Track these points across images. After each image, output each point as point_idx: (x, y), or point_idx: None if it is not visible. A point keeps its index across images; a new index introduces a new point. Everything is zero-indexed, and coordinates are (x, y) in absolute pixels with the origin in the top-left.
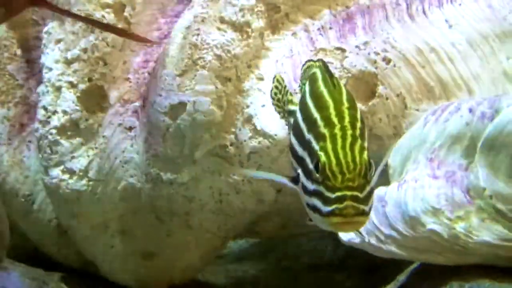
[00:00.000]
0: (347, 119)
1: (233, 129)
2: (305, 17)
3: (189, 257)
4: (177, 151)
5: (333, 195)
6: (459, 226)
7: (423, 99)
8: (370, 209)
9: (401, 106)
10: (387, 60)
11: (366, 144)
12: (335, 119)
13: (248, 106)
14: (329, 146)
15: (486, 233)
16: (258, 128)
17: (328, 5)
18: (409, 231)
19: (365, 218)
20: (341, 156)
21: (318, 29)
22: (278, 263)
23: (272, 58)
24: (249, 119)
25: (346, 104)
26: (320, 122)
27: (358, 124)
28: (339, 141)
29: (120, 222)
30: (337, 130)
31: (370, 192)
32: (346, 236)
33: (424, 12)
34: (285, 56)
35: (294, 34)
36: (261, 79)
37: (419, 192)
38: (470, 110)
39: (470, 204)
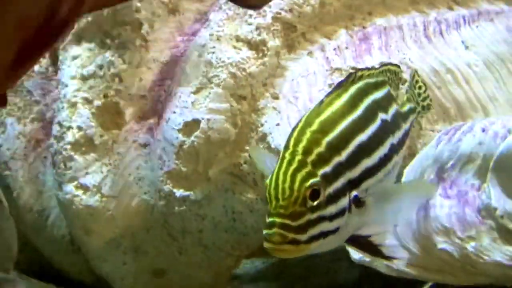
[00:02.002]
0: (302, 144)
1: (247, 147)
2: (321, 37)
3: (202, 276)
4: (190, 168)
5: (267, 220)
6: (470, 246)
7: (439, 120)
8: (312, 238)
9: (416, 127)
10: (403, 81)
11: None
12: (291, 142)
13: (262, 125)
14: (276, 170)
15: (497, 253)
16: (272, 146)
17: (345, 25)
18: (420, 251)
19: (295, 248)
20: (279, 181)
21: (334, 49)
22: (291, 284)
23: (288, 77)
24: (263, 138)
25: (314, 127)
26: (285, 143)
27: (318, 150)
28: (284, 165)
29: (133, 238)
30: (287, 154)
31: (313, 221)
32: (357, 254)
33: (441, 34)
34: (301, 75)
35: (310, 53)
36: (276, 98)
37: (430, 212)
38: (483, 130)
39: (481, 224)
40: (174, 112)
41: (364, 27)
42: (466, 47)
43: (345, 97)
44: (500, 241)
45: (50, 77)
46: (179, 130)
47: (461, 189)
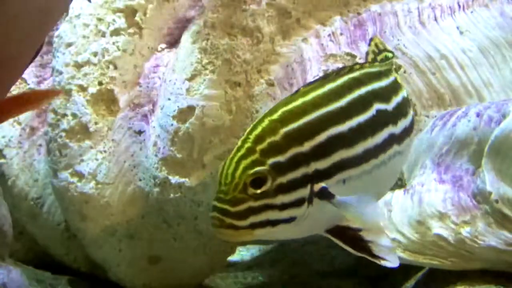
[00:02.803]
0: (256, 131)
1: (242, 134)
2: (316, 23)
3: (197, 262)
4: (185, 155)
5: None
6: (465, 231)
7: (433, 105)
8: (255, 225)
9: None
10: (398, 67)
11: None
12: (248, 129)
13: (257, 111)
14: (229, 155)
15: (492, 238)
16: None
17: (340, 11)
18: (415, 236)
19: (234, 232)
20: (225, 167)
21: (329, 35)
22: (287, 270)
23: (283, 63)
24: None
25: (275, 116)
26: None
27: (272, 139)
28: (234, 152)
29: (128, 225)
30: (240, 141)
31: (256, 208)
32: None
33: (435, 19)
34: (296, 62)
35: (304, 39)
36: (271, 84)
37: (425, 197)
38: (478, 115)
39: (476, 208)
40: (169, 99)
41: (359, 13)
42: (461, 33)
43: (326, 87)
44: (495, 225)
45: (44, 65)
46: (173, 117)
47: (456, 174)
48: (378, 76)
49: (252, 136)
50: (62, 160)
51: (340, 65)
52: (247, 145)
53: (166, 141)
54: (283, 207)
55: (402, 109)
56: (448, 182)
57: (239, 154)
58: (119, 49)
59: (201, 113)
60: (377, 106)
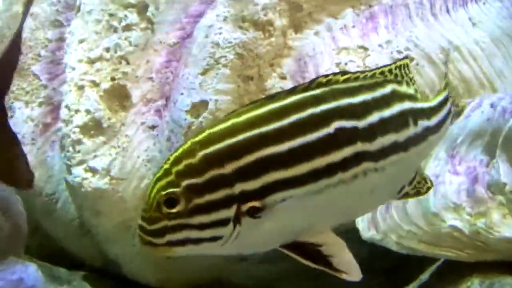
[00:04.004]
0: (176, 153)
1: None
2: (328, 16)
3: (211, 257)
4: None
5: None
6: (480, 222)
7: None
8: (172, 243)
9: None
10: (410, 59)
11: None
12: (172, 151)
13: None
14: None
15: (506, 229)
16: None
17: (351, 4)
18: (430, 227)
19: (154, 249)
20: (149, 187)
21: (341, 28)
22: (301, 264)
23: (295, 57)
24: None
25: (199, 137)
26: None
27: (189, 161)
28: (155, 173)
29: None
30: (163, 162)
31: (172, 227)
32: (367, 232)
33: (447, 11)
34: (308, 55)
35: (316, 33)
36: (284, 78)
37: (440, 188)
38: (492, 106)
39: (491, 200)
40: (182, 94)
41: (370, 6)
42: (473, 24)
43: (267, 107)
44: (510, 216)
45: (57, 61)
46: (187, 112)
47: (470, 165)
48: (356, 90)
49: (171, 158)
50: (76, 156)
51: (353, 58)
52: (165, 166)
53: (179, 135)
54: (203, 227)
55: (388, 124)
56: (463, 173)
57: (158, 175)
58: (131, 45)
59: (214, 107)
60: (339, 123)
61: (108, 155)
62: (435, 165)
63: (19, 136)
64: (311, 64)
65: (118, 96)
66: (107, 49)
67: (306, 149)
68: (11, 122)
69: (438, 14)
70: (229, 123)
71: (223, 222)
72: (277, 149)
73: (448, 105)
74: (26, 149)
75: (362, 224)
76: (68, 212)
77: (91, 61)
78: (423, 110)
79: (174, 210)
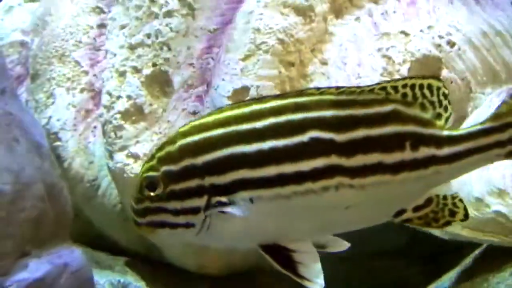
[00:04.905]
0: (164, 140)
1: None
2: (368, 2)
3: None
4: None
5: None
6: None
7: (488, 82)
8: (153, 224)
9: (466, 90)
10: (452, 44)
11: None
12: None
13: None
14: None
15: None
16: None
17: None
18: (474, 213)
19: (138, 228)
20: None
21: (382, 13)
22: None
23: (336, 42)
24: None
25: (184, 128)
26: None
27: (169, 149)
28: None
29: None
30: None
31: (152, 209)
32: None
33: None
34: (349, 41)
35: (357, 18)
36: (325, 63)
37: (484, 174)
38: None
39: None
40: (223, 80)
41: None
42: None
43: (250, 108)
44: None
45: (97, 47)
46: (228, 97)
47: None
48: (344, 104)
49: (159, 144)
50: (118, 142)
51: (394, 43)
52: (153, 152)
53: None
54: (177, 212)
55: (374, 143)
56: None
57: (146, 159)
58: (172, 30)
59: (255, 93)
60: (314, 134)
61: (149, 141)
62: None
63: (61, 122)
64: (352, 50)
65: (160, 82)
66: (148, 35)
67: (276, 153)
68: (53, 108)
69: None
70: (210, 117)
71: (194, 211)
72: (247, 148)
73: (485, 140)
74: (68, 135)
75: None
76: (110, 198)
77: (133, 47)
78: (432, 137)
79: (153, 194)
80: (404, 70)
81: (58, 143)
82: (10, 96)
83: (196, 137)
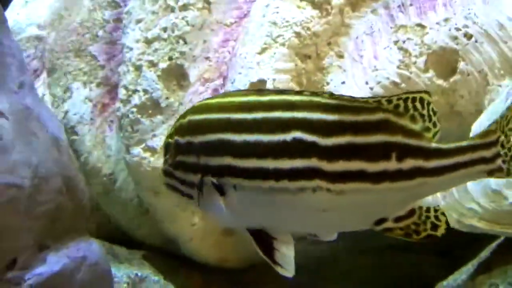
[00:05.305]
0: (186, 110)
1: None
2: None
3: None
4: None
5: None
6: None
7: (505, 74)
8: (169, 186)
9: (483, 83)
10: (468, 36)
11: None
12: None
13: (328, 83)
14: None
15: None
16: None
17: None
18: (491, 205)
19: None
20: None
21: (398, 6)
22: (358, 245)
23: (352, 35)
24: None
25: (198, 104)
26: None
27: (181, 121)
28: None
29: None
30: None
31: (166, 172)
32: None
33: None
34: (365, 33)
35: (374, 11)
36: (341, 56)
37: None
38: None
39: None
40: (240, 73)
41: None
42: None
43: (249, 98)
44: None
45: (114, 42)
46: None
47: None
48: (334, 109)
49: (181, 113)
50: (134, 135)
51: (411, 36)
52: (174, 120)
53: None
54: (181, 181)
55: (358, 151)
56: None
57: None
58: (188, 24)
59: (272, 86)
60: (298, 135)
61: (166, 134)
62: None
63: (77, 117)
64: (369, 42)
65: (176, 76)
66: (165, 29)
67: (259, 147)
68: (69, 102)
69: None
70: (215, 100)
71: (191, 185)
72: (235, 137)
73: (470, 155)
74: (85, 129)
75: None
76: (127, 192)
77: (149, 41)
78: (420, 149)
79: (167, 158)
80: (420, 63)
81: (75, 137)
82: (28, 91)
83: (199, 116)
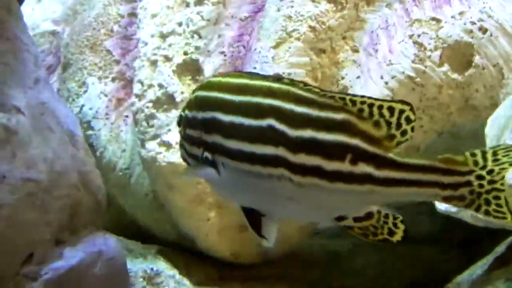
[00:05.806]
0: (197, 86)
1: None
2: None
3: (287, 230)
4: None
5: None
6: None
7: None
8: (182, 156)
9: (498, 76)
10: (484, 30)
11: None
12: None
13: (343, 78)
14: None
15: None
16: None
17: None
18: (508, 199)
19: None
20: None
21: (413, 0)
22: None
23: (367, 29)
24: (344, 91)
25: (210, 80)
26: None
27: (191, 96)
28: None
29: (216, 194)
30: None
31: (181, 144)
32: (442, 205)
33: None
34: (380, 28)
35: (389, 5)
36: (356, 50)
37: None
38: None
39: None
40: (255, 68)
41: None
42: None
43: (242, 80)
44: None
45: (129, 37)
46: None
47: None
48: (306, 101)
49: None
50: (150, 130)
51: (426, 30)
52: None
53: None
54: (189, 154)
55: (318, 147)
56: None
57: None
58: (203, 19)
59: None
60: (272, 122)
61: None
62: (511, 137)
63: (93, 111)
64: (384, 36)
65: (191, 70)
66: (180, 24)
67: (241, 130)
68: (85, 97)
69: None
70: (217, 79)
71: (195, 157)
72: (224, 118)
73: (421, 176)
74: (100, 124)
75: None
76: (142, 187)
77: (164, 36)
78: (374, 157)
79: (179, 130)
80: (435, 57)
81: (90, 131)
82: (43, 86)
83: (202, 93)
